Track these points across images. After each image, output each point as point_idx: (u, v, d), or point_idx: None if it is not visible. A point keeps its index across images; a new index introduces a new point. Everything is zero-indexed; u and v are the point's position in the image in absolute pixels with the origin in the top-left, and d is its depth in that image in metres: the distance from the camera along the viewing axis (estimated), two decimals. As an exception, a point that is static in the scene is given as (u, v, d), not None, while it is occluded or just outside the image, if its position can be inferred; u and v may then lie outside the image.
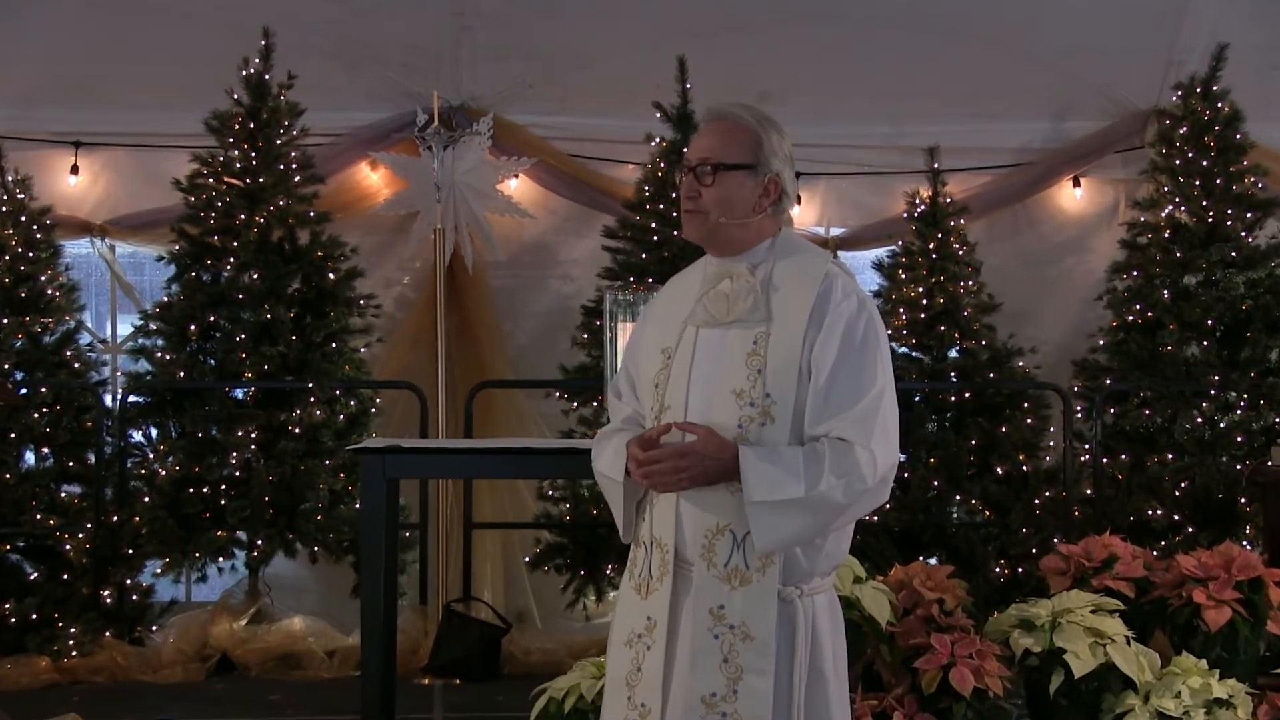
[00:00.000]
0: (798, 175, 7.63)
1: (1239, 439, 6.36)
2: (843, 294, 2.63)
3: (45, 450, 6.19)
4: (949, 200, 6.79)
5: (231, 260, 6.35)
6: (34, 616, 5.83)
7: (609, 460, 2.77)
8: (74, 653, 5.80)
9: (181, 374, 6.26)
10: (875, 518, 6.31)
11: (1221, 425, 6.38)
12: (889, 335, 6.92)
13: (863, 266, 7.28)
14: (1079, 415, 6.58)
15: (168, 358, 6.31)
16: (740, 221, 2.70)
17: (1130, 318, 6.67)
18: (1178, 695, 4.28)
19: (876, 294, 6.79)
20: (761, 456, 2.54)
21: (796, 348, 2.59)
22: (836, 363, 2.57)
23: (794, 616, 2.61)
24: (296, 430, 6.23)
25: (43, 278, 6.33)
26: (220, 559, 6.23)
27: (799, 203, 7.09)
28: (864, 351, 2.59)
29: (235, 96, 6.45)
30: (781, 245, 2.74)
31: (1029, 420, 6.57)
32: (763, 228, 2.73)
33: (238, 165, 6.42)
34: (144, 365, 6.43)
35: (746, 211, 2.70)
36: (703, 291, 2.72)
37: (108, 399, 6.43)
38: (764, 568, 2.58)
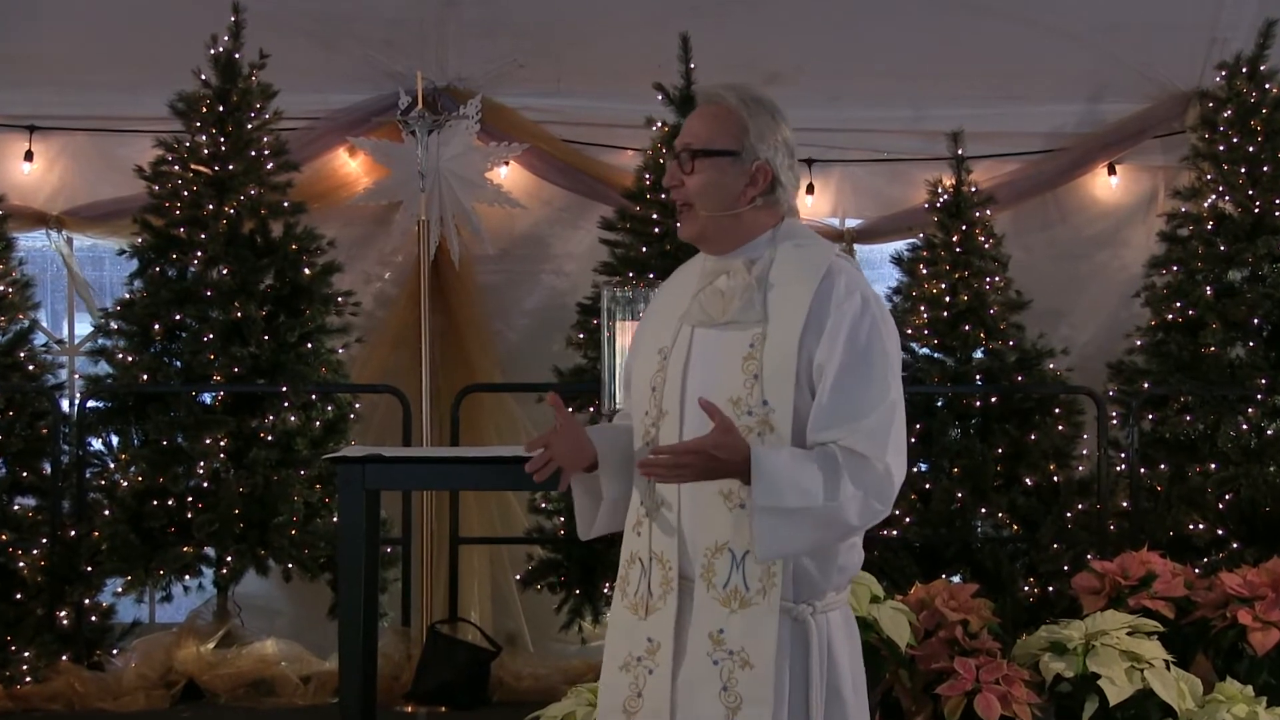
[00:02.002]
0: (809, 163, 7.63)
1: (1288, 447, 6.37)
2: (845, 292, 2.62)
3: (-3, 459, 6.19)
4: (974, 189, 6.78)
5: (199, 254, 6.35)
6: (-15, 639, 5.84)
7: None
8: (28, 678, 5.80)
9: (145, 377, 6.26)
10: (894, 532, 6.32)
11: (1269, 432, 6.38)
12: (908, 335, 6.94)
13: (881, 260, 7.29)
14: (1114, 422, 6.58)
15: (130, 359, 6.30)
16: (728, 213, 2.70)
17: (1170, 316, 6.66)
18: (1221, 724, 4.29)
19: (896, 290, 6.80)
20: (777, 460, 2.53)
21: (793, 350, 2.58)
22: (842, 369, 2.57)
23: (807, 636, 2.62)
24: (269, 438, 6.23)
25: (-6, 273, 6.34)
26: (186, 577, 6.23)
27: (810, 191, 7.09)
28: (870, 356, 2.59)
29: (203, 77, 6.45)
30: (783, 237, 2.73)
31: (1060, 427, 6.57)
32: (758, 219, 2.73)
33: (205, 151, 6.42)
34: (104, 367, 6.43)
35: (732, 201, 2.70)
36: (700, 287, 2.73)
37: (65, 404, 6.42)
38: (765, 589, 2.59)
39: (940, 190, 6.76)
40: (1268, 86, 6.72)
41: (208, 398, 6.34)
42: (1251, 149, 6.66)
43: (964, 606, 4.69)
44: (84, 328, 7.08)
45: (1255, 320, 6.50)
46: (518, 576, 6.56)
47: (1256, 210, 6.62)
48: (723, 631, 2.61)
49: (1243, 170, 6.66)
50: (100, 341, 6.48)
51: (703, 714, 2.61)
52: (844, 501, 2.51)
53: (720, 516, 2.62)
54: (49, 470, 6.21)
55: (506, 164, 6.96)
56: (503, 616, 6.67)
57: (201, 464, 6.15)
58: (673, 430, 2.68)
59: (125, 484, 6.18)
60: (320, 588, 6.29)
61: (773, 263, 2.69)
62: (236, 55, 6.46)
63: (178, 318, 6.32)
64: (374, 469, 4.29)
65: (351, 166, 7.04)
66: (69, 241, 7.05)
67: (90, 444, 6.34)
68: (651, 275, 6.19)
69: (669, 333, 2.75)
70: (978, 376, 6.57)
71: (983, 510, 6.41)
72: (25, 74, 6.73)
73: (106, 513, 6.14)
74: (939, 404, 6.55)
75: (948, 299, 6.60)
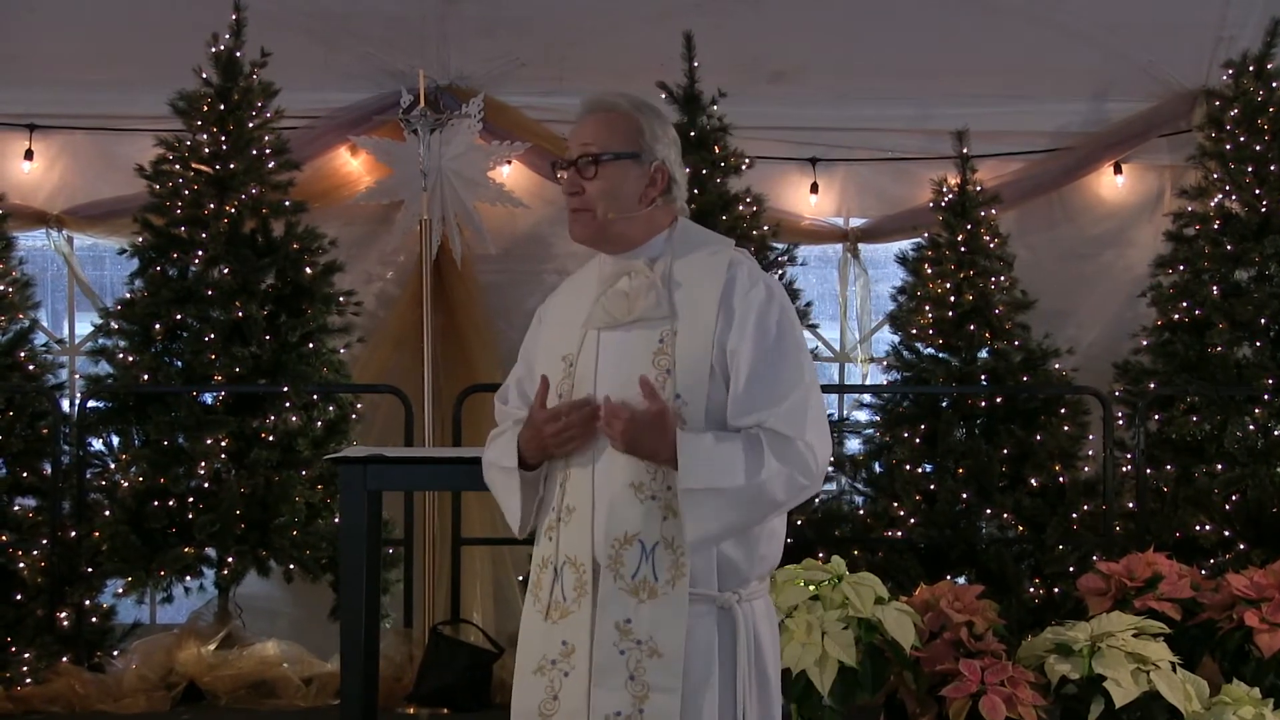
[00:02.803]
0: (814, 161, 7.64)
1: (1294, 448, 6.37)
2: (750, 282, 2.72)
3: (-3, 460, 6.20)
4: (979, 188, 6.79)
5: (200, 253, 6.36)
6: (-15, 640, 5.85)
7: (502, 449, 2.85)
8: (28, 680, 5.82)
9: (145, 377, 6.27)
10: (899, 533, 6.33)
11: (1276, 433, 6.38)
12: (913, 334, 6.93)
13: (885, 260, 7.30)
14: (1120, 422, 6.58)
15: (130, 359, 6.32)
16: (629, 215, 2.78)
17: (1176, 316, 6.67)
18: (1228, 726, 4.30)
19: (900, 290, 6.81)
20: (701, 443, 2.61)
21: (706, 344, 2.67)
22: (756, 357, 2.66)
23: (734, 624, 2.70)
24: (270, 438, 6.24)
25: (-6, 273, 6.35)
26: (187, 578, 6.24)
27: (815, 190, 7.10)
28: (784, 343, 2.69)
29: (203, 75, 6.46)
30: (680, 237, 2.82)
31: (1066, 427, 6.58)
32: (655, 219, 2.81)
33: (206, 150, 6.44)
34: (104, 367, 6.44)
35: (634, 203, 2.78)
36: (600, 292, 2.80)
37: (65, 404, 6.43)
38: (674, 580, 2.65)
39: (945, 189, 6.77)
40: (1275, 85, 6.72)
41: (209, 398, 6.35)
42: (1258, 148, 6.66)
43: (969, 608, 4.70)
44: (84, 327, 7.09)
45: (1262, 320, 6.50)
46: (520, 577, 6.56)
47: (1263, 209, 6.62)
48: (629, 621, 2.66)
49: (1249, 169, 6.67)
50: (100, 341, 6.49)
51: (611, 705, 2.66)
52: (768, 478, 2.59)
53: (630, 508, 2.68)
54: (49, 471, 6.22)
55: (508, 163, 6.97)
56: (505, 618, 6.67)
57: (202, 464, 6.16)
58: None
59: (126, 484, 6.19)
60: (322, 589, 6.30)
61: (674, 261, 2.77)
62: (238, 54, 6.47)
63: (178, 317, 6.34)
64: (376, 469, 4.30)
65: (353, 165, 7.06)
66: (69, 241, 7.07)
67: (90, 444, 6.35)
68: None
69: (573, 340, 2.81)
70: (983, 377, 6.57)
71: (988, 511, 6.42)
72: (25, 72, 6.75)
73: (107, 513, 6.15)
74: (944, 404, 6.56)
75: (952, 298, 6.61)
